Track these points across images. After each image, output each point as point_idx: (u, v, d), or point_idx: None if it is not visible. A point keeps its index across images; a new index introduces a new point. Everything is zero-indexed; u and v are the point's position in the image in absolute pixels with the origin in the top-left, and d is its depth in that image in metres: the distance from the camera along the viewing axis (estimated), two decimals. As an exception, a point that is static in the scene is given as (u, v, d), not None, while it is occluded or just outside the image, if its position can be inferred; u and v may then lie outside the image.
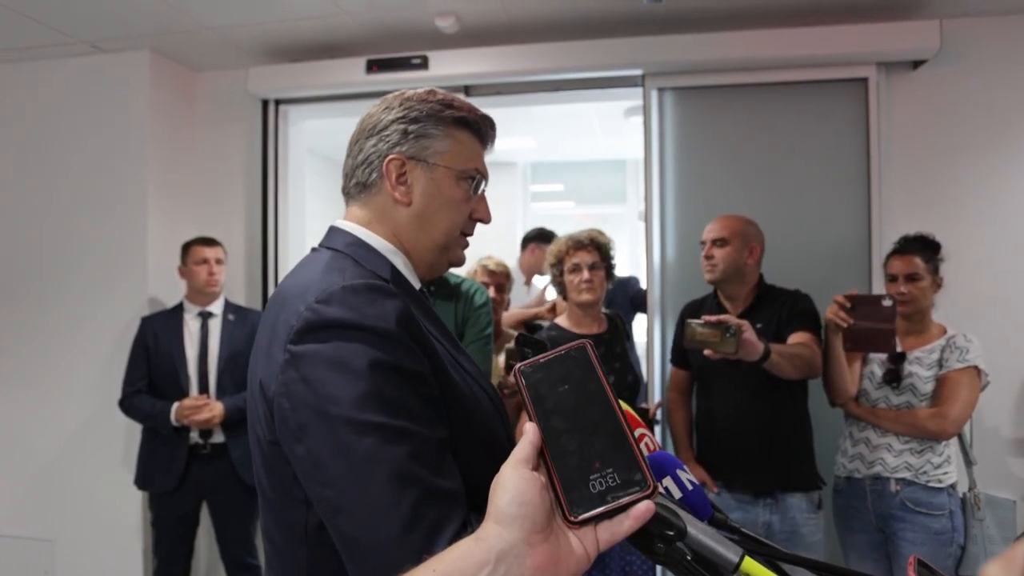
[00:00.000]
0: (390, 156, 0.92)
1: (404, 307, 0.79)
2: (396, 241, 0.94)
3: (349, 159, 0.97)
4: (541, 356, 0.64)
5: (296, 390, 0.74)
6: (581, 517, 0.55)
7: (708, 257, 2.20)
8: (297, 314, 0.77)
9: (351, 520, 0.70)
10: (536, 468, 0.58)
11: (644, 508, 0.55)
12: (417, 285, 0.96)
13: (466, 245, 1.01)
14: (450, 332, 0.98)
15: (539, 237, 3.82)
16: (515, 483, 0.55)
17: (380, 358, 0.74)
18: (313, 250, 0.97)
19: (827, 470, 2.28)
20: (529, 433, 0.59)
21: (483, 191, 1.00)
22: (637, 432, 0.81)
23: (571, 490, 0.56)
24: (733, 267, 2.19)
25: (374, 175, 0.93)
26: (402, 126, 0.92)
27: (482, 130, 0.98)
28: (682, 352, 2.35)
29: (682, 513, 0.63)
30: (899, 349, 2.13)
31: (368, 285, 0.79)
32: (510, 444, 0.84)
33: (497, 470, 0.58)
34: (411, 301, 0.85)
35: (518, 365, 0.64)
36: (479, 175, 0.97)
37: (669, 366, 2.51)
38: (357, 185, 0.95)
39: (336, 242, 0.93)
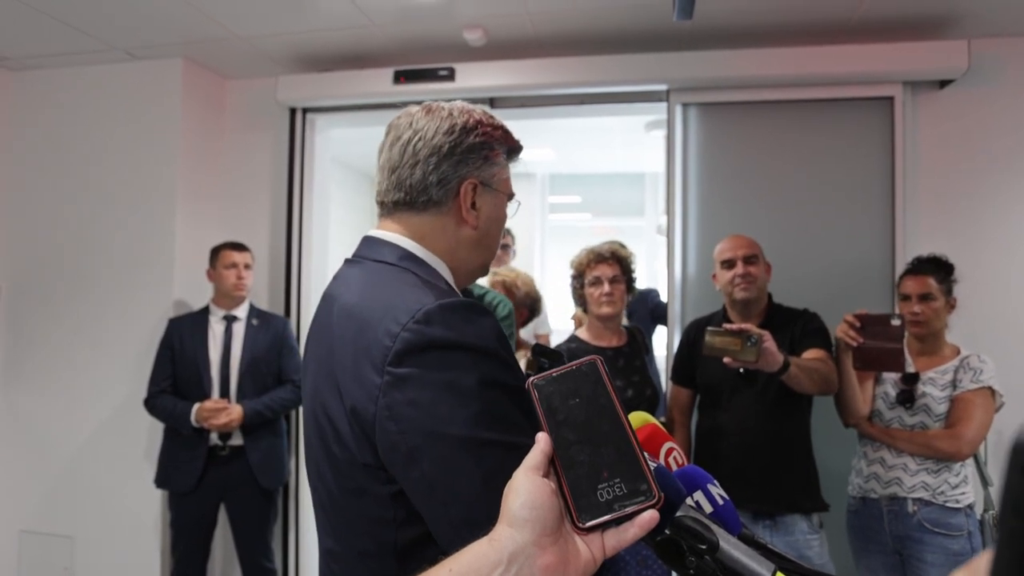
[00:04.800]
0: (469, 180, 0.94)
1: (498, 325, 0.81)
2: (447, 256, 0.95)
3: (417, 170, 0.93)
4: (554, 370, 0.67)
5: (405, 413, 0.75)
6: (589, 524, 0.58)
7: (745, 275, 2.15)
8: (392, 335, 0.77)
9: (484, 532, 0.69)
10: (547, 476, 0.61)
11: (649, 517, 0.58)
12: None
13: None
14: None
15: None
16: (527, 488, 0.58)
17: (487, 376, 0.75)
18: (349, 261, 0.96)
19: (834, 490, 2.25)
20: (541, 442, 0.62)
21: None
22: (666, 446, 0.82)
23: (580, 498, 0.59)
24: (763, 284, 2.20)
25: (447, 194, 0.94)
26: (484, 152, 0.95)
27: (516, 153, 1.04)
28: (685, 370, 2.33)
29: (714, 527, 0.63)
30: (911, 369, 2.11)
31: (463, 303, 0.80)
32: None
33: None
34: None
35: (532, 378, 0.67)
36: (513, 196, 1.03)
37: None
38: (426, 201, 0.94)
39: (385, 255, 0.92)
